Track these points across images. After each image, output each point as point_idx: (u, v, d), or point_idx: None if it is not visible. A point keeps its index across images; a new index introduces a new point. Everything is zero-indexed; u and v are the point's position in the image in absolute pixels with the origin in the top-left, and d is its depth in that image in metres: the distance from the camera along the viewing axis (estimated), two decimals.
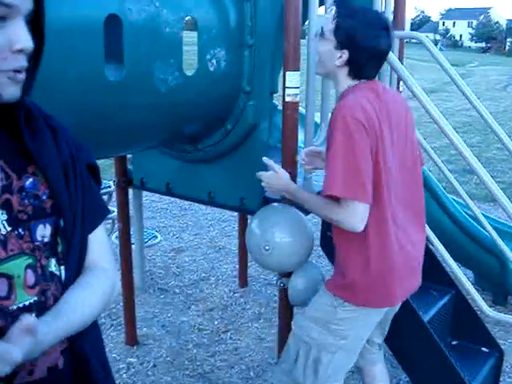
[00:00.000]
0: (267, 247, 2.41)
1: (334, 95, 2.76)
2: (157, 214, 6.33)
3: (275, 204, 2.55)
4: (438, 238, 3.00)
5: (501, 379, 3.22)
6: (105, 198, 4.81)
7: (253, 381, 3.36)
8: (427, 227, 2.99)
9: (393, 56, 2.74)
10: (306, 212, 2.44)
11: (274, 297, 4.30)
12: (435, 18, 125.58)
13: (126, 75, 2.12)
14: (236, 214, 5.10)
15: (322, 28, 2.14)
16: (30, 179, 1.10)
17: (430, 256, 3.20)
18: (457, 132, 2.67)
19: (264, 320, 4.04)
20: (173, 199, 6.45)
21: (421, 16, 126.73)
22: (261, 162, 2.37)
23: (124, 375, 3.38)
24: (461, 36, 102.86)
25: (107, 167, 6.11)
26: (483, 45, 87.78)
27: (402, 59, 3.21)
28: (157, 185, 3.13)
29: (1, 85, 0.97)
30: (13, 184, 1.07)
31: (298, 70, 2.42)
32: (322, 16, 2.50)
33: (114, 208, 3.73)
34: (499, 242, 3.30)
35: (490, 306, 3.43)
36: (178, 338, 3.79)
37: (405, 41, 3.45)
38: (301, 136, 2.60)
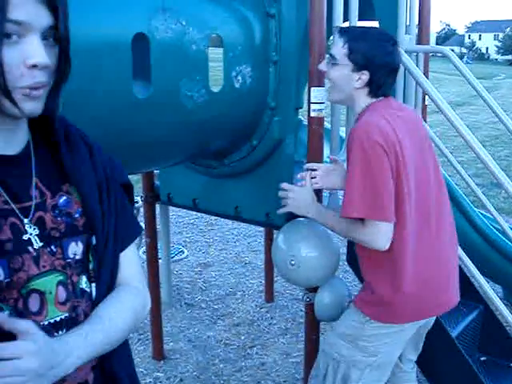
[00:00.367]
0: (293, 262, 2.41)
1: None
2: (183, 229, 6.37)
3: (301, 219, 2.55)
4: (466, 252, 2.97)
5: None
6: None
7: None
8: None
9: (418, 70, 2.75)
10: None
11: (300, 312, 4.29)
12: (461, 31, 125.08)
13: (154, 93, 2.16)
14: (262, 228, 5.11)
15: (331, 55, 2.17)
16: (64, 197, 1.12)
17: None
18: (484, 145, 2.65)
19: (290, 335, 4.03)
20: (199, 214, 6.47)
21: (446, 29, 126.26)
22: (286, 177, 2.38)
23: None
24: (487, 49, 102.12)
25: (135, 183, 6.09)
26: (510, 57, 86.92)
27: (427, 73, 3.21)
28: (183, 200, 3.16)
29: (18, 101, 0.99)
30: (47, 202, 1.09)
31: (322, 85, 2.43)
32: None
33: (141, 223, 3.75)
34: None
35: None
36: (205, 352, 3.79)
37: (430, 54, 3.45)
38: (326, 151, 2.60)
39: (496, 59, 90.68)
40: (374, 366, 2.26)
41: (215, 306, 4.49)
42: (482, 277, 2.95)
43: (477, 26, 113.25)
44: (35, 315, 1.04)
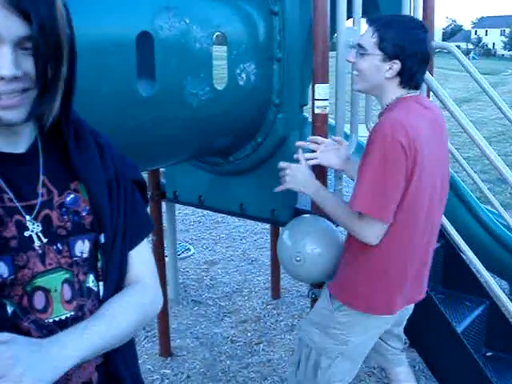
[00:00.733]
0: (298, 258, 2.42)
1: (363, 106, 2.78)
2: (190, 227, 6.39)
3: (306, 215, 2.56)
4: (472, 248, 2.98)
5: None
6: None
7: None
8: (459, 237, 2.98)
9: None
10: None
11: (306, 309, 4.29)
12: (467, 26, 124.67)
13: (158, 90, 2.17)
14: (268, 226, 5.12)
15: (359, 45, 2.09)
16: (71, 195, 1.12)
17: (463, 266, 3.19)
18: (490, 142, 2.66)
19: (297, 332, 4.04)
20: (205, 212, 6.50)
21: (452, 25, 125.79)
22: None
23: None
24: (494, 44, 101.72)
25: None
26: None
27: (431, 69, 3.21)
28: (189, 197, 3.17)
29: None
30: (54, 200, 1.09)
31: (326, 82, 2.44)
32: (350, 28, 2.52)
33: None
34: None
35: None
36: (212, 349, 3.81)
37: (436, 50, 3.44)
38: None
39: (503, 55, 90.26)
40: (346, 356, 2.25)
41: (222, 303, 4.51)
42: (487, 272, 2.95)
43: (483, 22, 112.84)
44: (40, 313, 1.04)
